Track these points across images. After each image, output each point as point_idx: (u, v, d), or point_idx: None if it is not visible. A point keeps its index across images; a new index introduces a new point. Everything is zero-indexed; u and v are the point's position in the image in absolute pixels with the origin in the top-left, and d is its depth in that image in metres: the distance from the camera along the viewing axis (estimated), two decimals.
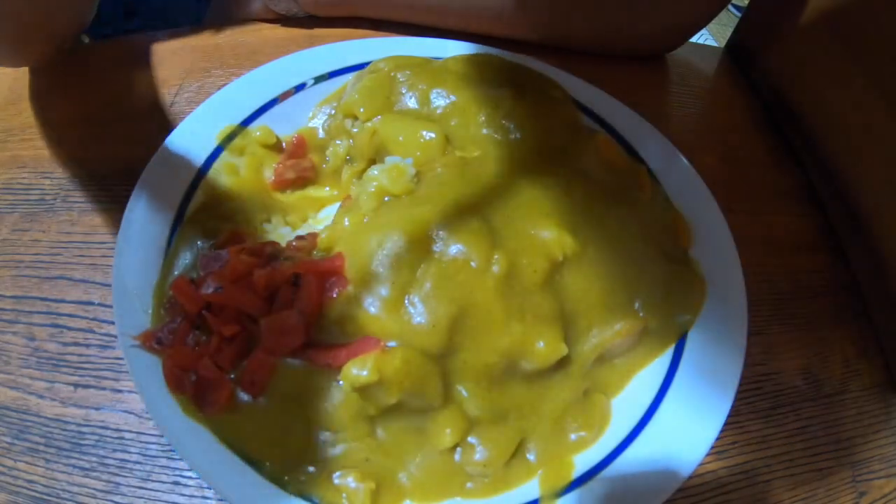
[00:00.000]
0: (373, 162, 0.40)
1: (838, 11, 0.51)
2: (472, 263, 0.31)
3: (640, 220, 0.38)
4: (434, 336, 0.30)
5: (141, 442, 0.35)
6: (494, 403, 0.32)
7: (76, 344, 0.38)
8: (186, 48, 0.53)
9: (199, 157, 0.39)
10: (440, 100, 0.41)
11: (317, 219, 0.41)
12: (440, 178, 0.36)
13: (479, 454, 0.32)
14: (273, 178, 0.41)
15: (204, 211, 0.37)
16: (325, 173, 0.43)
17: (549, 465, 0.33)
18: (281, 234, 0.39)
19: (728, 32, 0.65)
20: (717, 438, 0.33)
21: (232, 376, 0.31)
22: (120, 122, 0.48)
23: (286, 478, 0.30)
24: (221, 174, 0.39)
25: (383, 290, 0.30)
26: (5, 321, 0.38)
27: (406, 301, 0.30)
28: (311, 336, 0.31)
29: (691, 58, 0.64)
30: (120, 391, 0.36)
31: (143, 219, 0.36)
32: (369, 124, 0.39)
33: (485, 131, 0.39)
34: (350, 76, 0.44)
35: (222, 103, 0.41)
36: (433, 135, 0.38)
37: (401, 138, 0.38)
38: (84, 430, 0.35)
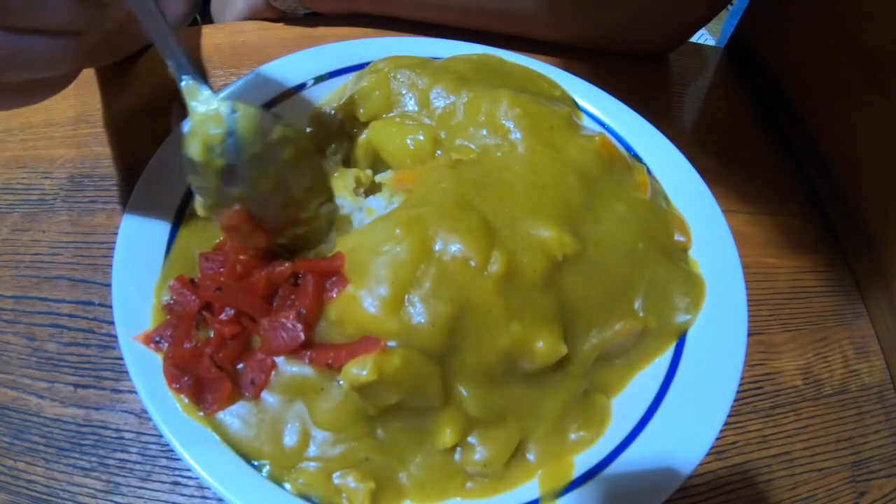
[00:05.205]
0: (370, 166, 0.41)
1: (838, 11, 0.51)
2: (472, 263, 0.31)
3: (639, 219, 0.38)
4: (434, 336, 0.30)
5: (141, 442, 0.35)
6: (494, 403, 0.32)
7: (76, 344, 0.38)
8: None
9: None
10: (440, 100, 0.41)
11: None
12: (438, 179, 0.36)
13: (479, 454, 0.32)
14: None
15: None
16: None
17: (549, 465, 0.32)
18: None
19: (728, 32, 0.66)
20: (717, 438, 0.33)
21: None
22: (120, 121, 0.48)
23: (286, 478, 0.30)
24: None
25: (383, 290, 0.30)
26: (5, 321, 0.38)
27: (406, 301, 0.30)
28: (311, 336, 0.31)
29: (691, 58, 0.64)
30: (120, 391, 0.36)
31: (143, 219, 0.36)
32: (363, 136, 0.40)
33: (484, 131, 0.39)
34: (350, 76, 0.44)
35: None
36: (421, 137, 0.38)
37: (391, 145, 0.39)
38: (84, 430, 0.35)
